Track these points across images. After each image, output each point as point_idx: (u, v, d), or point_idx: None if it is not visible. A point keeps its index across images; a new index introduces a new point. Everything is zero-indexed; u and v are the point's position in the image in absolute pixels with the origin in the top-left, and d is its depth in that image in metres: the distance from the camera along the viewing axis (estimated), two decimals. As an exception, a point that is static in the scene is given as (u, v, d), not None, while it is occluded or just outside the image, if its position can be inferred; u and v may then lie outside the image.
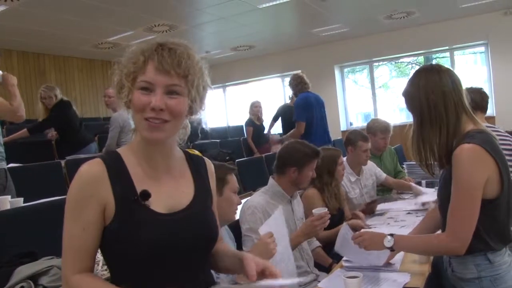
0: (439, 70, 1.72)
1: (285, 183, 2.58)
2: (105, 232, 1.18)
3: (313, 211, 2.33)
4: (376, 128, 4.11)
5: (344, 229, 2.08)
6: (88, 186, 1.16)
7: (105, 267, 1.84)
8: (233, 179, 2.04)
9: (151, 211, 1.19)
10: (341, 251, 2.12)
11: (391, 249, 1.79)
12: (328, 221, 2.30)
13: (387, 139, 4.15)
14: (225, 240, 1.39)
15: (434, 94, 1.68)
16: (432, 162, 1.74)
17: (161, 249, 1.17)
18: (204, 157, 1.46)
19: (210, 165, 1.44)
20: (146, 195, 1.19)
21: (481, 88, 3.15)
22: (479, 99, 2.94)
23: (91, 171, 1.18)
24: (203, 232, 1.28)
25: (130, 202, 1.17)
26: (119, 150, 1.27)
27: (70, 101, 5.32)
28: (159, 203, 1.21)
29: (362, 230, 2.44)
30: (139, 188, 1.19)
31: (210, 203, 1.38)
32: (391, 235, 1.80)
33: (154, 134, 1.17)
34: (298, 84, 5.39)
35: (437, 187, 3.56)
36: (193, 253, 1.25)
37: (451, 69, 1.76)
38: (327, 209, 2.35)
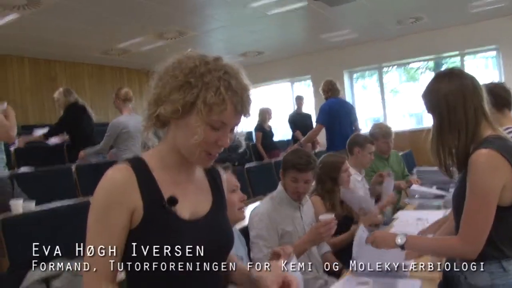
0: (461, 75, 1.71)
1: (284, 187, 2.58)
2: (130, 236, 1.17)
3: (320, 217, 2.30)
4: (377, 133, 4.22)
5: (360, 230, 2.06)
6: (117, 192, 1.15)
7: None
8: (228, 179, 1.92)
9: (177, 216, 1.20)
10: (358, 254, 2.07)
11: (402, 247, 1.77)
12: (335, 227, 2.24)
13: (390, 143, 4.26)
14: (236, 245, 1.40)
15: (454, 98, 1.66)
16: (451, 164, 1.72)
17: (185, 254, 1.17)
18: (216, 167, 1.47)
19: (223, 174, 1.47)
20: (173, 200, 1.19)
21: (503, 83, 3.07)
22: (505, 94, 2.81)
23: (120, 176, 1.17)
24: (223, 238, 1.31)
25: (158, 207, 1.18)
26: (142, 155, 1.26)
27: (84, 105, 5.33)
28: (184, 209, 1.22)
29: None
30: (165, 194, 1.20)
31: (226, 212, 1.40)
32: (404, 234, 1.78)
33: (208, 164, 1.26)
34: (329, 90, 5.69)
35: (447, 192, 3.58)
36: (213, 259, 1.26)
37: (472, 74, 1.74)
38: (333, 215, 2.29)
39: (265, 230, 2.38)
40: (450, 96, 1.67)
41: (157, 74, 1.23)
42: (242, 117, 1.22)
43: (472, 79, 1.70)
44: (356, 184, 3.47)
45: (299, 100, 8.10)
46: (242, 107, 1.18)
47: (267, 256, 2.23)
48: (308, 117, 8.07)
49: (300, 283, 1.51)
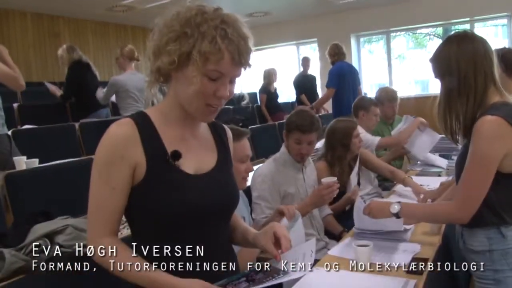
0: (473, 38, 1.67)
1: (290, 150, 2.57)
2: (133, 191, 1.18)
3: (322, 180, 2.30)
4: (383, 98, 4.20)
5: (357, 202, 2.07)
6: (119, 146, 1.15)
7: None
8: (240, 146, 1.87)
9: (181, 171, 1.20)
10: (359, 225, 2.07)
11: (397, 216, 1.78)
12: (337, 190, 2.24)
13: (395, 107, 4.25)
14: (239, 205, 1.40)
15: (465, 62, 1.62)
16: (457, 131, 1.70)
17: (190, 209, 1.18)
18: (223, 124, 1.46)
19: (229, 132, 1.45)
20: (177, 155, 1.19)
21: None
22: None
23: (122, 131, 1.17)
24: (228, 194, 1.31)
25: (161, 162, 1.18)
26: (146, 111, 1.25)
27: (88, 62, 5.26)
28: (188, 164, 1.22)
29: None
30: (169, 149, 1.20)
31: (231, 170, 1.40)
32: (398, 202, 1.79)
33: (209, 118, 1.23)
34: (335, 54, 5.76)
35: (449, 160, 3.59)
36: (218, 215, 1.27)
37: (484, 38, 1.70)
38: (336, 178, 2.29)
39: (267, 191, 2.39)
40: (461, 61, 1.63)
41: (156, 26, 1.20)
42: (243, 69, 1.19)
43: (483, 43, 1.66)
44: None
45: (306, 61, 8.02)
46: (239, 56, 1.14)
47: (269, 217, 2.25)
48: (313, 78, 8.07)
49: (304, 242, 1.53)
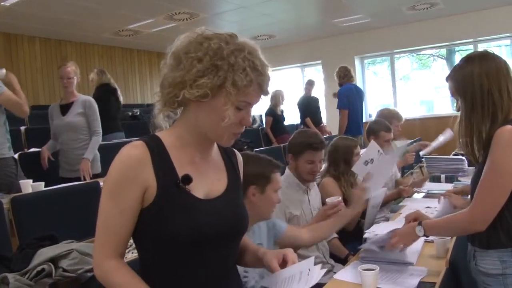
0: (494, 57, 1.70)
1: (295, 173, 2.58)
2: (142, 214, 1.18)
3: (327, 200, 2.33)
4: (392, 117, 4.25)
5: (386, 234, 2.03)
6: (131, 168, 1.15)
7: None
8: (276, 178, 1.92)
9: (191, 195, 1.20)
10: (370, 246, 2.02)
11: (425, 235, 1.77)
12: (342, 209, 2.27)
13: (399, 127, 4.33)
14: (261, 232, 1.42)
15: (488, 79, 1.64)
16: (478, 148, 1.70)
17: (198, 234, 1.18)
18: (234, 149, 1.46)
19: (239, 156, 1.46)
20: (188, 179, 1.19)
21: None
22: None
23: (135, 153, 1.17)
24: (237, 218, 1.30)
25: (172, 186, 1.18)
26: (158, 134, 1.26)
27: (116, 87, 5.45)
28: (198, 188, 1.22)
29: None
30: (180, 173, 1.20)
31: (241, 194, 1.40)
32: (419, 223, 1.77)
33: (231, 144, 1.26)
34: (345, 76, 5.95)
35: (455, 182, 3.57)
36: (226, 240, 1.27)
37: (500, 56, 1.74)
38: (340, 197, 2.34)
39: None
40: (485, 78, 1.65)
41: (172, 55, 1.20)
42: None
43: (504, 61, 1.69)
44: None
45: (309, 84, 8.02)
46: (266, 86, 1.21)
47: None
48: (317, 100, 8.12)
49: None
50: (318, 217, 2.31)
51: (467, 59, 1.75)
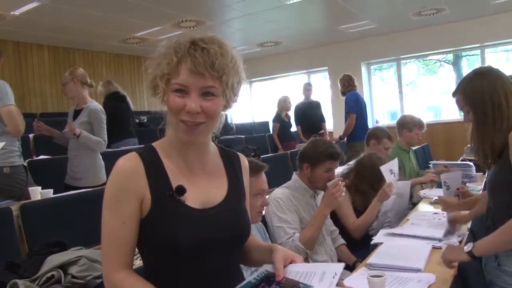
0: (500, 72, 1.84)
1: (304, 179, 2.58)
2: (142, 224, 1.19)
3: (327, 184, 2.42)
4: (414, 124, 4.16)
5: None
6: (126, 179, 1.17)
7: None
8: (257, 181, 1.87)
9: (186, 206, 1.20)
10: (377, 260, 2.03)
11: (471, 254, 1.71)
12: (344, 188, 2.35)
13: (420, 135, 4.21)
14: (253, 232, 1.40)
15: (498, 94, 1.76)
16: (490, 156, 1.79)
17: (194, 244, 1.18)
18: (238, 153, 1.45)
19: (244, 161, 1.44)
20: (181, 190, 1.20)
21: None
22: None
23: (128, 165, 1.19)
24: (236, 228, 1.29)
25: (165, 196, 1.19)
26: (154, 144, 1.27)
27: (125, 95, 5.48)
28: (194, 198, 1.22)
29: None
30: (174, 183, 1.20)
31: (243, 200, 1.38)
32: (470, 241, 1.81)
33: (191, 137, 1.18)
34: (349, 85, 6.11)
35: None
36: (225, 249, 1.25)
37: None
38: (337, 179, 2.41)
39: (287, 213, 2.40)
40: (494, 92, 1.76)
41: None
42: (211, 76, 1.14)
43: (509, 76, 1.82)
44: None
45: (306, 87, 7.78)
46: (198, 66, 1.12)
47: (293, 235, 2.31)
48: (317, 104, 7.70)
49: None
50: (325, 199, 2.37)
51: (476, 75, 1.87)
